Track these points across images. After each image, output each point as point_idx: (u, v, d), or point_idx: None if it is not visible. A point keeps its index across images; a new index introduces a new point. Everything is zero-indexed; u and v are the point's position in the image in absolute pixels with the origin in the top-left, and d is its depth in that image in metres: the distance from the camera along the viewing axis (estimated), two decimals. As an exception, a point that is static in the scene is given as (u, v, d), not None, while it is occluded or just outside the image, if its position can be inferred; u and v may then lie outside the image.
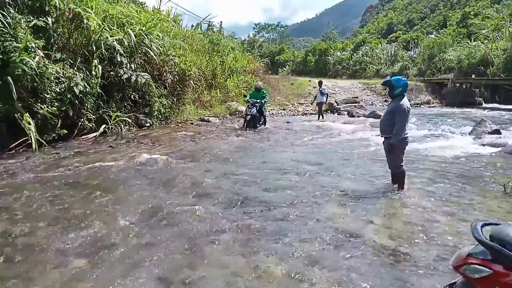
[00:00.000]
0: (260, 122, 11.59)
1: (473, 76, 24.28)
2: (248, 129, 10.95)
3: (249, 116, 11.04)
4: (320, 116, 14.43)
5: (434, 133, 10.44)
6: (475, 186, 5.49)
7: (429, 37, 36.94)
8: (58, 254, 3.18)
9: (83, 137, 8.09)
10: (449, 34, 34.24)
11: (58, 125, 7.43)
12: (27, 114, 6.52)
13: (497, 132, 9.94)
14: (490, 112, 18.14)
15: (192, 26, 19.55)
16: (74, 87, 7.70)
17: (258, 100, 11.28)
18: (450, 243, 3.55)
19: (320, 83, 14.93)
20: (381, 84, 5.70)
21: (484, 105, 23.12)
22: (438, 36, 34.02)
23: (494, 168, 6.54)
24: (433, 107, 21.88)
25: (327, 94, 14.62)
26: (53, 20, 8.10)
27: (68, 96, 7.66)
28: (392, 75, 5.47)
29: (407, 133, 4.95)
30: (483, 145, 8.61)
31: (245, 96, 12.26)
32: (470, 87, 24.58)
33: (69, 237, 3.49)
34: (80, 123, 8.14)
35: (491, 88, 25.14)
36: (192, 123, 11.60)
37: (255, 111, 11.10)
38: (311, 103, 16.84)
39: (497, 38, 27.29)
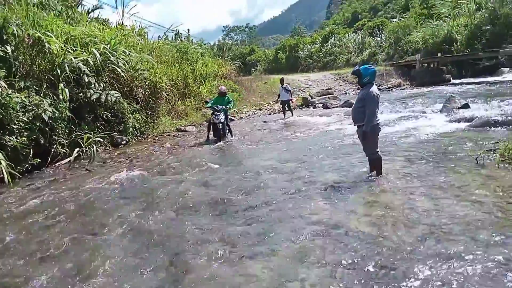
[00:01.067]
0: (227, 130, 10.09)
1: (439, 54, 24.91)
2: (219, 141, 9.45)
3: (220, 124, 9.49)
4: (289, 113, 13.91)
5: (407, 115, 10.66)
6: (449, 162, 5.64)
7: (392, 21, 37.69)
8: (41, 288, 3.11)
9: (57, 163, 7.91)
10: (411, 17, 35.02)
11: (30, 155, 7.25)
12: (-5, 148, 6.34)
13: (466, 106, 10.23)
14: (458, 88, 18.66)
15: (159, 37, 19.43)
16: (43, 114, 7.51)
17: (223, 106, 9.83)
18: (429, 223, 3.65)
19: (281, 81, 14.18)
20: (351, 74, 5.82)
21: (452, 81, 23.75)
22: (401, 20, 34.75)
23: (465, 142, 6.74)
24: (404, 89, 22.32)
25: (291, 91, 14.00)
26: (13, 48, 7.89)
27: (37, 124, 7.48)
28: (361, 64, 5.57)
29: (378, 119, 5.06)
30: (454, 121, 8.86)
31: (206, 102, 10.47)
32: (437, 65, 25.21)
33: (48, 271, 3.40)
34: (53, 150, 7.96)
35: (457, 64, 25.85)
36: (169, 135, 11.49)
37: (223, 117, 9.64)
38: (277, 101, 15.53)
39: (458, 15, 28.09)
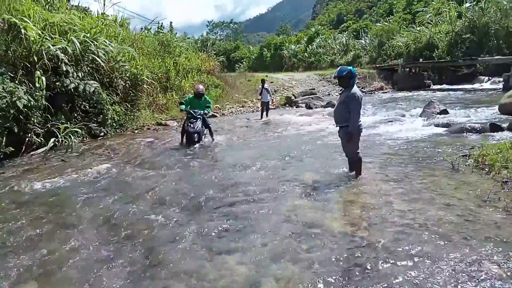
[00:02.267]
0: (205, 135, 8.77)
1: (420, 60, 25.45)
2: (191, 148, 8.03)
3: (196, 135, 8.15)
4: (264, 115, 13.29)
5: (387, 118, 10.85)
6: (426, 166, 5.75)
7: (376, 25, 38.22)
8: (9, 278, 3.01)
9: (32, 153, 7.66)
10: (395, 21, 35.62)
11: (3, 143, 6.98)
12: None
13: (444, 112, 10.49)
14: (438, 93, 19.10)
15: (142, 29, 19.09)
16: (17, 102, 7.26)
17: (201, 111, 8.43)
18: (404, 224, 3.70)
19: (263, 81, 13.44)
20: (335, 77, 5.23)
21: (433, 86, 24.36)
22: (385, 24, 35.29)
23: (442, 146, 6.89)
24: (386, 92, 22.74)
25: (270, 92, 13.39)
26: (-14, 33, 7.60)
27: (11, 111, 7.21)
28: (339, 68, 5.37)
29: (360, 121, 5.09)
30: (432, 125, 9.05)
31: (181, 104, 8.80)
32: (418, 70, 25.80)
33: (18, 261, 3.30)
34: (27, 139, 7.70)
35: (438, 70, 26.51)
36: (149, 129, 11.31)
37: (200, 125, 8.28)
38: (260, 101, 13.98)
39: (439, 23, 28.74)
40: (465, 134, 7.88)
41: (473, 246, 3.19)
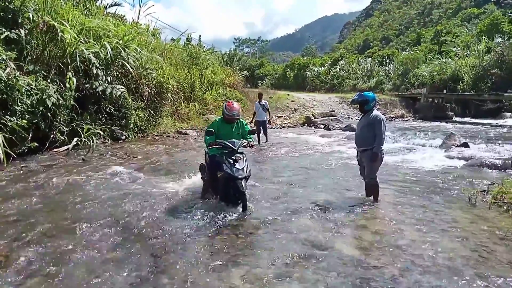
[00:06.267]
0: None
1: (444, 91, 25.19)
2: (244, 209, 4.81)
3: (243, 183, 4.76)
4: (265, 137, 11.39)
5: (406, 146, 10.72)
6: (442, 197, 5.66)
7: (402, 53, 38.13)
8: (18, 271, 3.12)
9: (54, 150, 7.93)
10: (421, 51, 35.47)
11: (29, 138, 7.27)
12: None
13: (465, 145, 10.30)
14: (460, 126, 18.79)
15: (173, 39, 19.65)
16: (47, 99, 7.57)
17: (243, 141, 5.13)
18: (416, 253, 3.65)
19: (260, 96, 11.62)
20: (352, 103, 5.86)
21: (455, 119, 23.95)
22: (411, 53, 35.16)
23: (460, 180, 6.76)
24: (406, 120, 22.51)
25: (268, 109, 11.43)
26: (26, 32, 8.00)
27: (40, 108, 7.53)
28: (362, 91, 5.63)
29: (382, 147, 5.12)
30: (452, 158, 8.89)
31: (208, 133, 5.01)
32: (441, 101, 25.46)
33: (32, 253, 3.43)
34: (52, 136, 7.99)
35: (461, 102, 26.10)
36: (169, 136, 11.54)
37: (249, 168, 4.96)
38: (251, 122, 11.15)
39: (467, 56, 28.47)
40: (485, 169, 7.71)
41: (485, 283, 3.10)
